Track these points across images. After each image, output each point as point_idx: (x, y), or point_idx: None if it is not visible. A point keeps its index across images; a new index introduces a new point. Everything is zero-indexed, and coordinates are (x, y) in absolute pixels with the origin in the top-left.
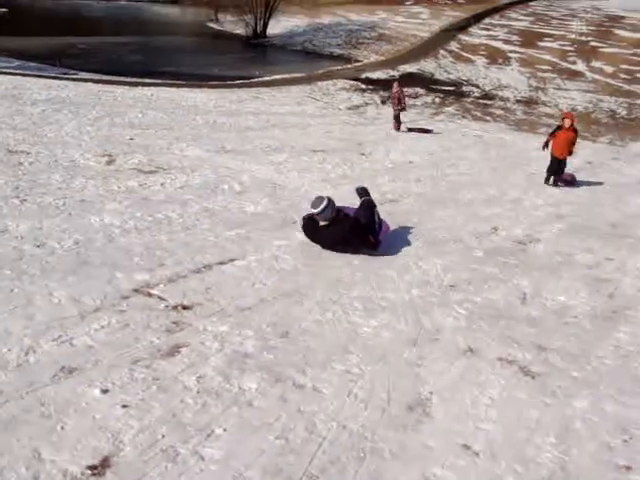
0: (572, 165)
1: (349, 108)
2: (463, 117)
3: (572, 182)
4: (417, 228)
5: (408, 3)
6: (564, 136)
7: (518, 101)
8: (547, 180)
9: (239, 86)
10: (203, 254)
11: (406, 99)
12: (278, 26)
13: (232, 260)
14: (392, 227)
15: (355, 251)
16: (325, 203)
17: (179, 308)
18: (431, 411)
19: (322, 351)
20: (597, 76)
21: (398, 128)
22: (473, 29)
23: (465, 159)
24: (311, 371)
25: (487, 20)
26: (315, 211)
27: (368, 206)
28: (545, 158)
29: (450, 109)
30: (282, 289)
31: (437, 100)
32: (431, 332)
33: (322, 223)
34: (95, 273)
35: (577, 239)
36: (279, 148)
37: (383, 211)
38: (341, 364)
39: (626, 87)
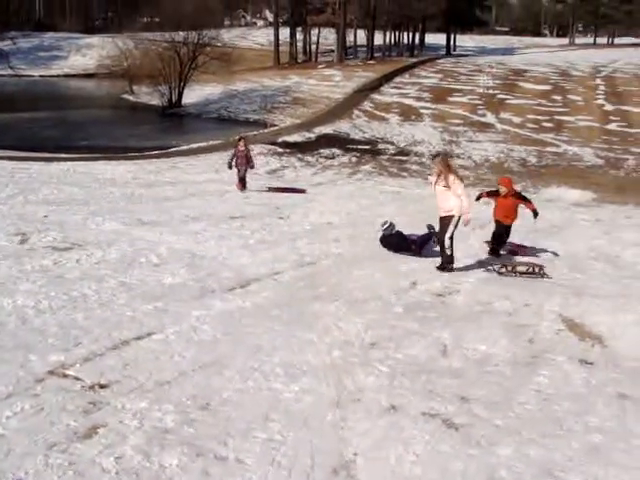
0: (488, 214)
1: (267, 172)
2: (380, 174)
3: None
4: (336, 289)
5: (320, 67)
6: (504, 203)
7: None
8: (494, 251)
9: (157, 156)
10: (120, 330)
11: (254, 158)
12: (193, 95)
13: (150, 334)
14: (310, 290)
15: (403, 251)
16: (387, 224)
17: (96, 387)
18: (356, 473)
19: (243, 420)
20: (506, 127)
21: (243, 188)
22: (385, 88)
23: (383, 216)
24: (233, 442)
25: (398, 79)
26: (382, 228)
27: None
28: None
29: (367, 167)
30: (202, 360)
31: (354, 159)
32: (353, 392)
33: (387, 234)
34: (7, 357)
35: (495, 287)
36: (197, 217)
37: (302, 273)
38: (263, 432)
39: (534, 136)
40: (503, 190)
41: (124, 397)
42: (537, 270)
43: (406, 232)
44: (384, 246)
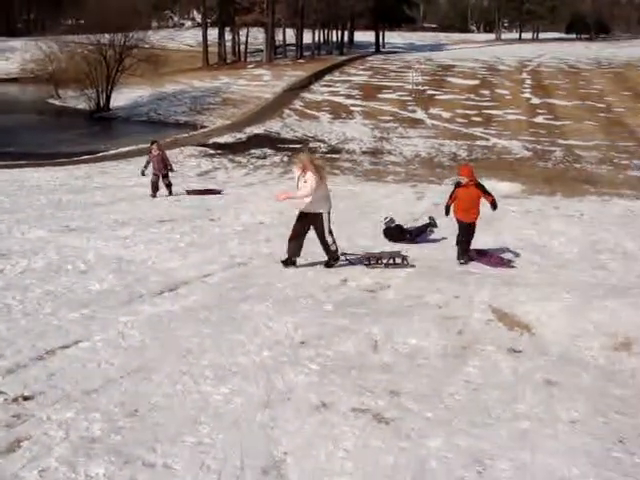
0: (420, 208)
1: (199, 174)
2: None
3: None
4: (267, 289)
5: (250, 66)
6: (466, 195)
7: (364, 152)
8: (461, 256)
9: (86, 161)
10: (45, 339)
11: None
12: (121, 98)
13: (76, 342)
14: (240, 291)
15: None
16: (388, 219)
17: (20, 400)
18: (286, 472)
19: (172, 425)
20: (436, 122)
21: (155, 194)
22: (315, 86)
23: None
24: (161, 447)
25: (327, 77)
26: (384, 222)
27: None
28: (394, 206)
29: None
30: (130, 366)
31: (285, 159)
32: (283, 392)
33: (387, 227)
34: None
35: (426, 281)
36: (126, 222)
37: (232, 274)
38: (192, 436)
39: (464, 130)
40: (465, 180)
41: (49, 408)
42: (401, 261)
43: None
44: (386, 237)
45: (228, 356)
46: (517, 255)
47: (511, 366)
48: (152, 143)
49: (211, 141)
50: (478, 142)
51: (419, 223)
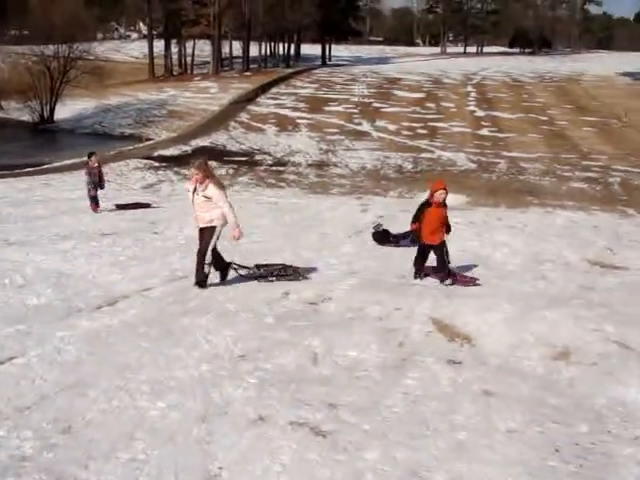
0: (365, 221)
1: (143, 187)
2: (257, 185)
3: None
4: (207, 302)
5: (196, 79)
6: (437, 214)
7: (310, 165)
8: (419, 275)
9: (28, 174)
10: None
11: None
12: (65, 110)
13: (11, 358)
14: (180, 305)
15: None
16: (376, 224)
17: None
18: None
19: (106, 442)
20: (382, 134)
21: (96, 208)
22: (261, 99)
23: (259, 227)
24: (94, 465)
25: (274, 90)
26: (372, 227)
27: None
28: (338, 218)
29: (244, 179)
30: (65, 382)
31: (231, 171)
32: (220, 406)
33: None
34: None
35: (368, 293)
36: (68, 235)
37: (173, 288)
38: (126, 452)
39: (410, 143)
40: (444, 196)
41: None
42: (291, 272)
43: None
44: (374, 239)
45: (166, 371)
46: (459, 267)
47: (450, 377)
48: (90, 155)
49: (156, 154)
50: (423, 154)
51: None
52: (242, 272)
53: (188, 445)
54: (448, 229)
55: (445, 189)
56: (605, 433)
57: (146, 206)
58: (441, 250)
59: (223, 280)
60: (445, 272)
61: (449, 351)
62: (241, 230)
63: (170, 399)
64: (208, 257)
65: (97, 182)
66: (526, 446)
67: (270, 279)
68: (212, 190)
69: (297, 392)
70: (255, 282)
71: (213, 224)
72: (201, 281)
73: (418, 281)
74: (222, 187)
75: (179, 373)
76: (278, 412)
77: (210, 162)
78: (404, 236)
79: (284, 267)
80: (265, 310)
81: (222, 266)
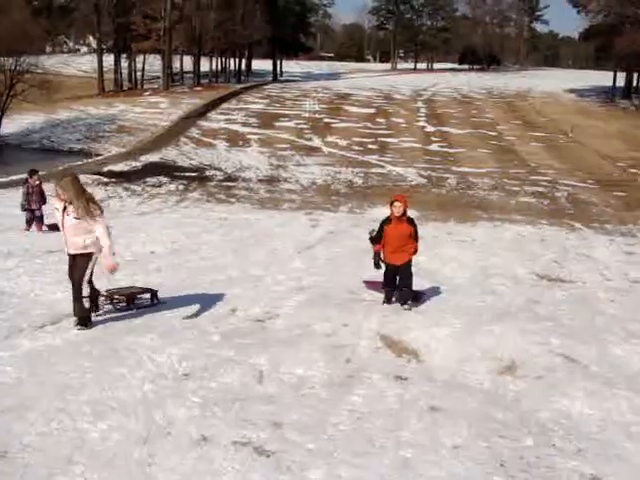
0: (315, 236)
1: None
2: (208, 201)
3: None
4: (153, 319)
5: (146, 94)
6: (396, 230)
7: (260, 180)
8: (388, 299)
9: None
10: None
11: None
12: (12, 125)
13: None
14: (124, 323)
15: None
16: (371, 230)
17: None
18: None
19: (44, 466)
20: (333, 150)
21: (41, 227)
22: (212, 114)
23: (208, 243)
24: None
25: (225, 105)
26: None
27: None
28: (288, 234)
29: (195, 194)
30: (2, 405)
31: (181, 187)
32: (163, 427)
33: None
34: None
35: (316, 309)
36: (11, 253)
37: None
38: (64, 476)
39: (360, 158)
40: (398, 209)
41: None
42: (150, 298)
43: None
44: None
45: (108, 391)
46: None
47: (396, 393)
48: (32, 173)
49: (106, 169)
50: (374, 169)
51: None
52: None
53: (129, 468)
54: (414, 249)
55: (401, 201)
56: (550, 446)
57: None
58: (406, 271)
59: (97, 311)
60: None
61: (396, 367)
62: (116, 263)
63: (111, 420)
64: (85, 289)
65: (39, 201)
66: (472, 461)
67: (130, 307)
68: (85, 210)
69: (241, 411)
70: (200, 299)
71: (88, 250)
72: (83, 319)
73: (367, 297)
74: (98, 207)
75: (122, 393)
76: (222, 432)
77: (162, 178)
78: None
79: (141, 291)
80: (211, 328)
81: (93, 296)
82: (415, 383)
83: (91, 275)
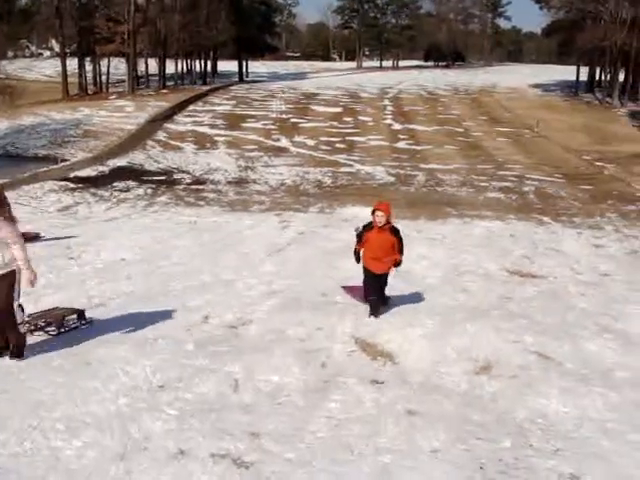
0: (286, 238)
1: (59, 210)
2: (177, 205)
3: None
4: (125, 330)
5: (112, 97)
6: (377, 240)
7: (229, 182)
8: (374, 310)
9: None
10: None
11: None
12: None
13: None
14: (96, 335)
15: None
16: (357, 228)
17: None
18: None
19: None
20: (301, 150)
21: None
22: (179, 117)
23: (178, 248)
24: None
25: (191, 107)
26: (355, 230)
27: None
28: (259, 236)
29: (163, 198)
30: None
31: (149, 191)
32: (139, 441)
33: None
34: None
35: (289, 313)
36: None
37: (90, 316)
38: None
39: (328, 157)
40: (380, 218)
41: None
42: (77, 320)
43: None
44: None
45: (82, 406)
46: None
47: (373, 398)
48: None
49: (72, 175)
50: (342, 169)
51: None
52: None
53: None
54: (397, 263)
55: (384, 209)
56: (527, 447)
57: (34, 238)
58: (382, 281)
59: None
60: (377, 299)
61: (372, 371)
62: (35, 275)
63: (87, 436)
64: (19, 315)
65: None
66: (450, 465)
67: (51, 332)
68: (2, 225)
69: (218, 422)
70: (170, 306)
71: (11, 268)
72: (19, 348)
73: (339, 299)
74: (13, 220)
75: (96, 408)
76: (199, 444)
77: (130, 182)
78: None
79: (66, 312)
80: (185, 336)
81: (21, 340)
82: (391, 387)
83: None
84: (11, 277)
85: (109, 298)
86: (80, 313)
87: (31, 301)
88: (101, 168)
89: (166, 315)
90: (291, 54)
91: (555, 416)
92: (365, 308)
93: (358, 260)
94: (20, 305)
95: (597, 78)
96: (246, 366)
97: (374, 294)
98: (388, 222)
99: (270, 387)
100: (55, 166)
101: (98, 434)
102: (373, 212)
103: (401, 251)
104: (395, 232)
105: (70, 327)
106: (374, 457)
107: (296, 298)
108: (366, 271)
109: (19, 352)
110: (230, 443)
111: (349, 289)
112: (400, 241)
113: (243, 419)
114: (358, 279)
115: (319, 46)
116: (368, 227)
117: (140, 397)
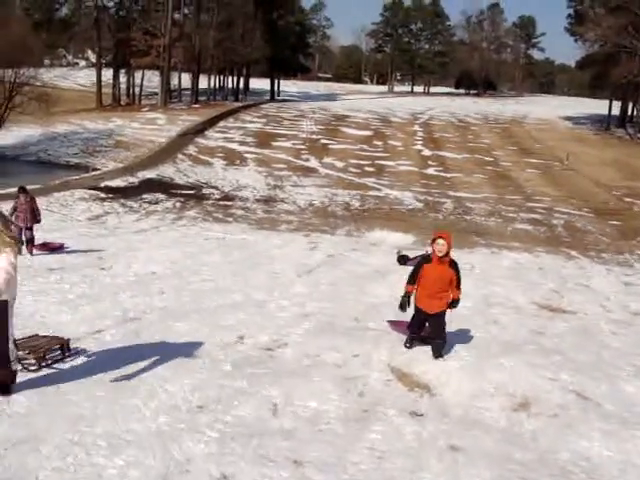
0: (315, 259)
1: (89, 219)
2: (205, 220)
3: None
4: (162, 347)
5: (144, 110)
6: (435, 274)
7: (257, 200)
8: (410, 344)
9: None
10: None
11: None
12: (10, 136)
13: None
14: (134, 349)
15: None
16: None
17: None
18: None
19: None
20: (330, 171)
21: (32, 249)
22: (209, 132)
23: (208, 264)
24: None
25: (222, 123)
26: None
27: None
28: (287, 256)
29: (191, 213)
30: (15, 437)
31: (178, 205)
32: (181, 463)
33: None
34: None
35: (324, 338)
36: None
37: (126, 330)
38: None
39: (357, 180)
40: (442, 247)
41: None
42: (60, 351)
43: None
44: (397, 261)
45: (122, 423)
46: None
47: (414, 431)
48: (20, 190)
49: (102, 184)
50: (371, 192)
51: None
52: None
53: None
54: (454, 301)
55: (446, 239)
56: None
57: (58, 248)
58: (440, 321)
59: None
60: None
61: (410, 402)
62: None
63: (128, 455)
64: (12, 351)
65: (24, 220)
66: None
67: (31, 368)
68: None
69: (259, 447)
70: (205, 325)
71: (3, 297)
72: (6, 386)
73: (372, 325)
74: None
75: (136, 426)
76: (242, 470)
77: (159, 195)
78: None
79: (49, 344)
80: (221, 356)
81: (12, 376)
82: (431, 420)
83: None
84: (5, 306)
85: (143, 312)
86: (63, 344)
87: (69, 311)
88: (131, 179)
89: (201, 333)
90: (323, 75)
91: (599, 459)
92: (400, 337)
93: (406, 306)
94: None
95: (629, 113)
96: (284, 391)
97: (417, 331)
98: (447, 253)
99: (309, 413)
100: (86, 175)
101: (140, 453)
102: (433, 241)
103: (459, 287)
104: (454, 266)
105: (52, 361)
106: None
107: (329, 322)
108: (417, 310)
109: (5, 390)
110: (273, 470)
111: (395, 324)
112: (458, 275)
113: (284, 445)
114: (389, 305)
115: (351, 68)
116: (426, 260)
117: (180, 417)
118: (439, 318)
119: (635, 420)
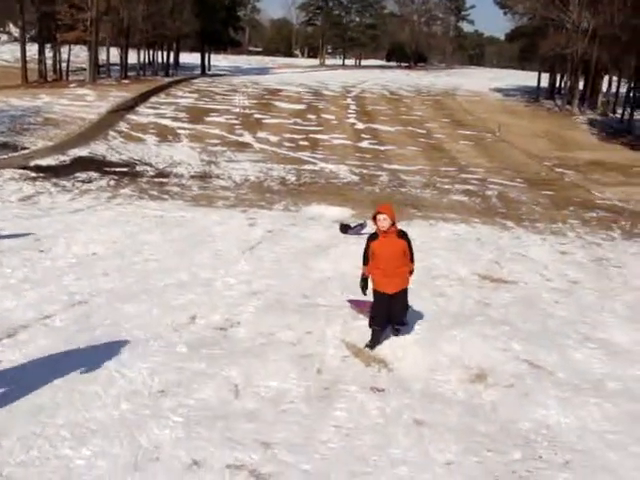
0: (255, 235)
1: (20, 199)
2: (141, 198)
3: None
4: (114, 330)
5: (72, 86)
6: (385, 249)
7: (192, 177)
8: (373, 342)
9: None
10: None
11: None
12: None
13: None
14: (86, 334)
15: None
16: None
17: None
18: None
19: None
20: (264, 146)
21: None
22: (140, 108)
23: (149, 243)
24: None
25: (153, 99)
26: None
27: None
28: (228, 234)
29: (127, 191)
30: None
31: (112, 183)
32: (150, 450)
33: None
34: None
35: (275, 316)
36: None
37: (75, 315)
38: None
39: (292, 154)
40: (384, 222)
41: None
42: None
43: None
44: (340, 230)
45: (84, 411)
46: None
47: (378, 407)
48: None
49: (33, 163)
50: (306, 166)
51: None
52: None
53: None
54: (410, 271)
55: (386, 212)
56: (537, 459)
57: None
58: (403, 301)
59: None
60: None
61: (369, 377)
62: None
63: (94, 445)
64: None
65: None
66: (467, 478)
67: None
68: None
69: (226, 430)
70: (156, 306)
71: None
72: None
73: (321, 301)
74: None
75: (99, 414)
76: (212, 454)
77: (92, 173)
78: (361, 225)
79: None
80: (175, 337)
81: None
82: (393, 395)
83: None
84: None
85: (90, 295)
86: None
87: (12, 297)
88: (62, 158)
89: (152, 315)
90: (253, 49)
91: (558, 427)
92: (352, 312)
93: (365, 289)
94: None
95: (557, 85)
96: (243, 371)
97: (380, 323)
98: (393, 225)
99: (271, 393)
100: (15, 154)
101: (106, 442)
102: (374, 217)
103: (412, 259)
104: (403, 235)
105: None
106: (391, 469)
107: (278, 300)
108: (376, 294)
109: None
110: (244, 453)
111: (356, 303)
112: (409, 244)
113: (250, 427)
114: (335, 280)
115: (282, 42)
116: (372, 238)
117: (142, 403)
118: (402, 298)
119: (586, 386)
